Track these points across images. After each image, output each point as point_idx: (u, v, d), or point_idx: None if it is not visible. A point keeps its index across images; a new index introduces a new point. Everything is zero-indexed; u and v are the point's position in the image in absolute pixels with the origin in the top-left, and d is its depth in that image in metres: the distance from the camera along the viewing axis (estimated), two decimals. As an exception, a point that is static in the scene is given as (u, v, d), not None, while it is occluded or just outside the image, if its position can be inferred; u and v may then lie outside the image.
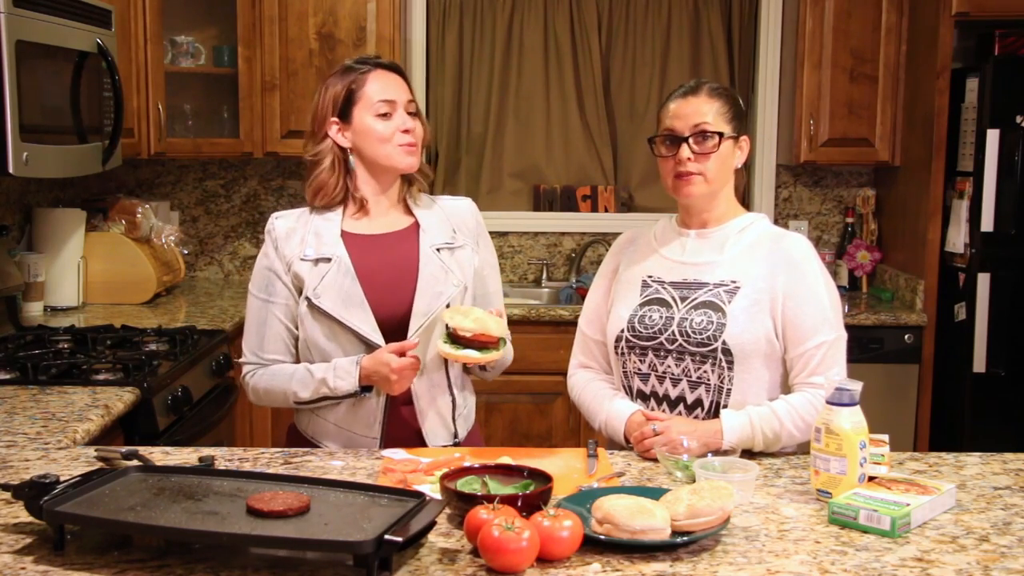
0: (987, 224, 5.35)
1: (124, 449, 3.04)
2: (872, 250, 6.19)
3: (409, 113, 3.40)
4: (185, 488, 2.71)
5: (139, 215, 5.13)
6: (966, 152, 5.50)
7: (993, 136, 5.29)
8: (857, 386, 2.87)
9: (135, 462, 2.93)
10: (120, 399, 3.70)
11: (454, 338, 3.27)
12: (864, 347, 5.51)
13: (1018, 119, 5.25)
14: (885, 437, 3.08)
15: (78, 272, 4.94)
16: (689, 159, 3.29)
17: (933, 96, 5.48)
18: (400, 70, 3.45)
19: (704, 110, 3.32)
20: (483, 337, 3.26)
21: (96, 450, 3.10)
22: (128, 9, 4.90)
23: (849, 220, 6.33)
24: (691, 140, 3.28)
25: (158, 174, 5.88)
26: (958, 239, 5.48)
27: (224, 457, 3.16)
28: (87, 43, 4.33)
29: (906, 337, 5.61)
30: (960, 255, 5.50)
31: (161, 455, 3.14)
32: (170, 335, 4.45)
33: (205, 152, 5.52)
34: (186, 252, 5.64)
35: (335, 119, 3.37)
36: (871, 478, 2.88)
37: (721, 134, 3.28)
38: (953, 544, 2.54)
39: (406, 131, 3.38)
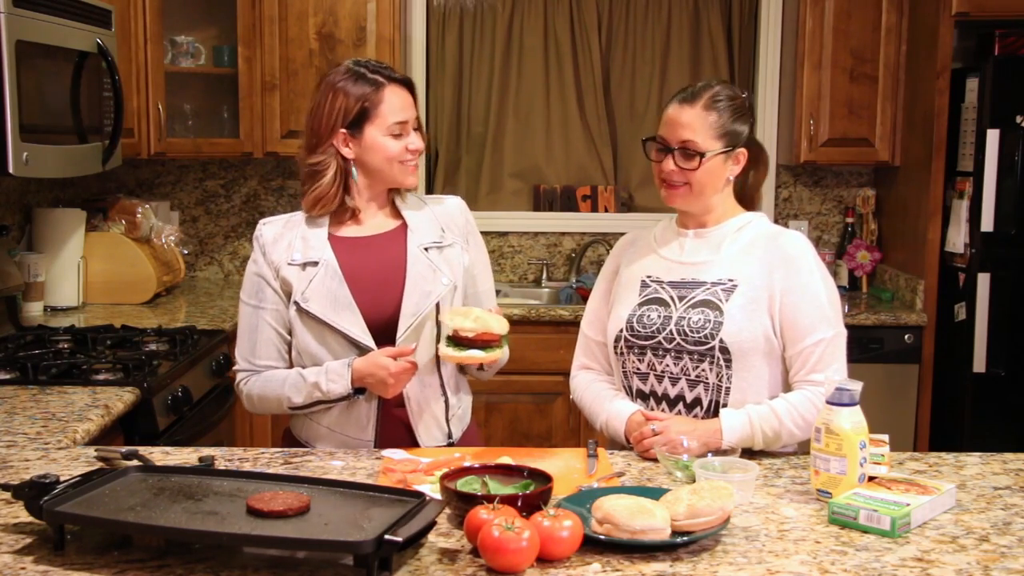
0: (987, 224, 5.34)
1: (124, 449, 3.04)
2: (872, 250, 6.18)
3: (414, 129, 3.42)
4: (185, 488, 2.71)
5: (139, 215, 5.15)
6: (966, 152, 5.48)
7: (993, 136, 5.28)
8: (857, 386, 2.85)
9: (135, 462, 2.93)
10: (120, 399, 3.71)
11: (456, 340, 3.26)
12: (864, 347, 5.48)
13: (1018, 119, 5.24)
14: (885, 437, 3.06)
15: (78, 272, 4.96)
16: (674, 170, 3.29)
17: (933, 96, 5.47)
18: (412, 85, 3.44)
19: (696, 125, 3.31)
20: (486, 336, 3.25)
21: (96, 450, 3.10)
22: (128, 9, 4.92)
23: (849, 220, 6.33)
24: (676, 153, 3.28)
25: (158, 174, 5.90)
26: (958, 239, 5.46)
27: (224, 457, 3.16)
28: (87, 43, 4.35)
29: (906, 337, 5.60)
30: (960, 255, 5.49)
31: (161, 455, 3.15)
32: (170, 335, 4.48)
33: (205, 152, 5.55)
34: (186, 252, 5.66)
35: (344, 131, 3.36)
36: (871, 478, 2.86)
37: (703, 154, 3.27)
38: (953, 544, 2.53)
39: (414, 150, 3.39)
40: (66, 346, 4.39)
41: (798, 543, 2.57)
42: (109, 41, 4.50)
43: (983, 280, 5.40)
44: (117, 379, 3.95)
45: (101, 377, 3.96)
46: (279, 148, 5.44)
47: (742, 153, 3.35)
